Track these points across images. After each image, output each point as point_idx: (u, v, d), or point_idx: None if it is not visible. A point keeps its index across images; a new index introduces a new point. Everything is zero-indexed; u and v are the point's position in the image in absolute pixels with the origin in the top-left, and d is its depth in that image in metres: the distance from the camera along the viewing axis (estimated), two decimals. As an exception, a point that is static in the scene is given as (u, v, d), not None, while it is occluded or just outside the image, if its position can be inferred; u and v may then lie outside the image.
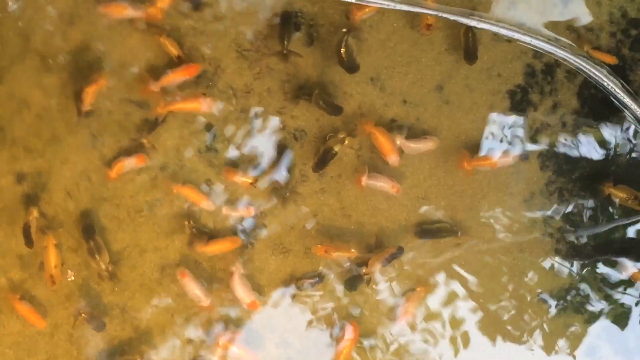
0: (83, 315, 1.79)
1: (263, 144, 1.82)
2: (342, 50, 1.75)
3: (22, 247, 1.78)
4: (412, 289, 1.84)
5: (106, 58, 1.77)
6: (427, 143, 1.80)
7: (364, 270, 1.80)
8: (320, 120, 1.82)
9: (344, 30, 1.76)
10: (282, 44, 1.76)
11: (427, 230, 1.84)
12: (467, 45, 1.78)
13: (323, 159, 1.78)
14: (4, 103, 1.76)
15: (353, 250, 1.81)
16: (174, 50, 1.75)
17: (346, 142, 1.78)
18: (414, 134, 1.82)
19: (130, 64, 1.78)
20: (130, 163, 1.77)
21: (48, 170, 1.78)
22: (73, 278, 1.80)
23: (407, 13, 1.78)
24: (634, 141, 1.85)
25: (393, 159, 1.78)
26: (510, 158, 1.83)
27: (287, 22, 1.77)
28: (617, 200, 1.84)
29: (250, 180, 1.80)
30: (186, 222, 1.80)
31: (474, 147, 1.84)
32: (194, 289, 1.78)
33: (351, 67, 1.78)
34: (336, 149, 1.77)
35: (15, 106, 1.76)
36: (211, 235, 1.81)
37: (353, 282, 1.84)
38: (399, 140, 1.79)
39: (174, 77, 1.75)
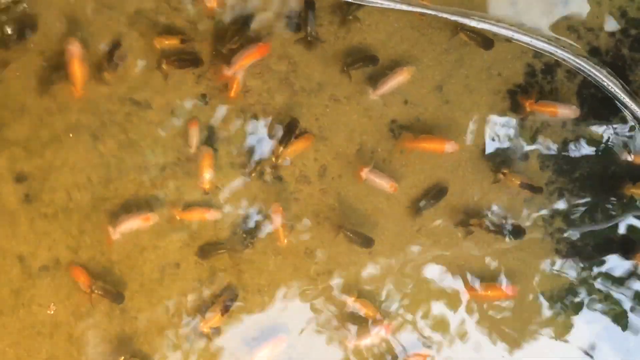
0: (96, 291, 1.76)
1: (262, 143, 1.82)
2: None
3: (22, 247, 1.78)
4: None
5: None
6: (398, 76, 1.79)
7: (502, 171, 1.81)
8: (320, 120, 1.82)
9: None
10: (305, 30, 1.77)
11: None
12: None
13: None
14: (4, 103, 1.76)
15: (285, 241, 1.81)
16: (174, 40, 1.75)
17: (278, 161, 1.80)
18: (414, 133, 1.83)
19: (132, 61, 1.78)
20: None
21: (48, 171, 1.78)
22: (53, 312, 1.80)
23: (408, 13, 1.79)
24: (633, 141, 1.85)
25: (449, 146, 1.79)
26: (571, 110, 1.81)
27: (310, 7, 1.77)
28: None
29: (206, 187, 1.79)
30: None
31: (474, 147, 1.84)
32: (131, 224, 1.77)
33: None
34: (272, 159, 1.80)
35: (16, 106, 1.76)
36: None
37: (518, 232, 1.85)
38: (372, 93, 1.80)
39: (247, 60, 1.74)
